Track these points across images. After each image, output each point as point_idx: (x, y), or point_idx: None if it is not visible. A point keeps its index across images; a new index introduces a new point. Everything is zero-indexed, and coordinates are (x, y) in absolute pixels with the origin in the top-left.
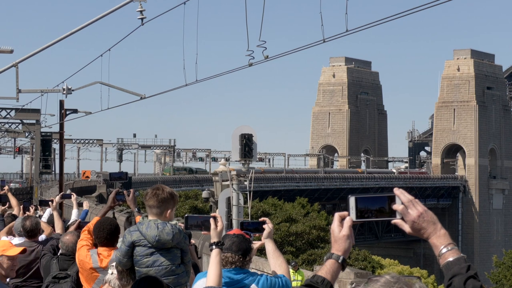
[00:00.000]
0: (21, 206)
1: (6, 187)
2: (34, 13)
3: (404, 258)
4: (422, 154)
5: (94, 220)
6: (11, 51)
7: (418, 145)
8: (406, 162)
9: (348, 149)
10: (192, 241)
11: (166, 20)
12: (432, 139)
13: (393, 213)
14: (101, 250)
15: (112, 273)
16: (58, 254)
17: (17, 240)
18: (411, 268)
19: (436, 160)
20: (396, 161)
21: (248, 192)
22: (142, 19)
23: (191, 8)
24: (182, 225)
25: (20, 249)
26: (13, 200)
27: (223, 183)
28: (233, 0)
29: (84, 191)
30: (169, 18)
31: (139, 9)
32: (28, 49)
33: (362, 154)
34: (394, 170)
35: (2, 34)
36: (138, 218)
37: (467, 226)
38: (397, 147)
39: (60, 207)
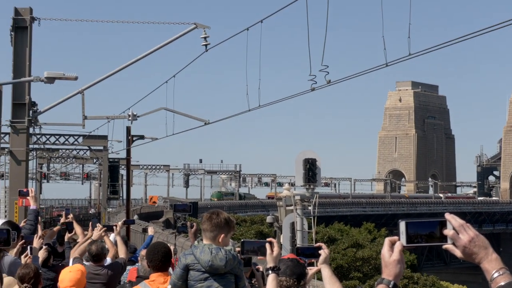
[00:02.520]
0: (90, 223)
1: (70, 215)
2: (100, 41)
3: (473, 283)
4: (491, 178)
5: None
6: (76, 78)
7: (486, 170)
8: (474, 186)
9: (415, 174)
10: (259, 267)
11: (229, 46)
12: (500, 164)
13: (444, 238)
14: (155, 276)
15: None
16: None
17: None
18: None
19: (505, 184)
20: (465, 186)
21: (312, 217)
22: (206, 45)
23: (254, 34)
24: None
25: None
26: (77, 228)
27: (287, 208)
28: (295, 25)
29: (151, 216)
30: (232, 44)
31: (203, 36)
32: (93, 76)
33: (430, 179)
34: (441, 195)
35: (67, 61)
36: None
37: None
38: (465, 172)
39: (127, 233)
